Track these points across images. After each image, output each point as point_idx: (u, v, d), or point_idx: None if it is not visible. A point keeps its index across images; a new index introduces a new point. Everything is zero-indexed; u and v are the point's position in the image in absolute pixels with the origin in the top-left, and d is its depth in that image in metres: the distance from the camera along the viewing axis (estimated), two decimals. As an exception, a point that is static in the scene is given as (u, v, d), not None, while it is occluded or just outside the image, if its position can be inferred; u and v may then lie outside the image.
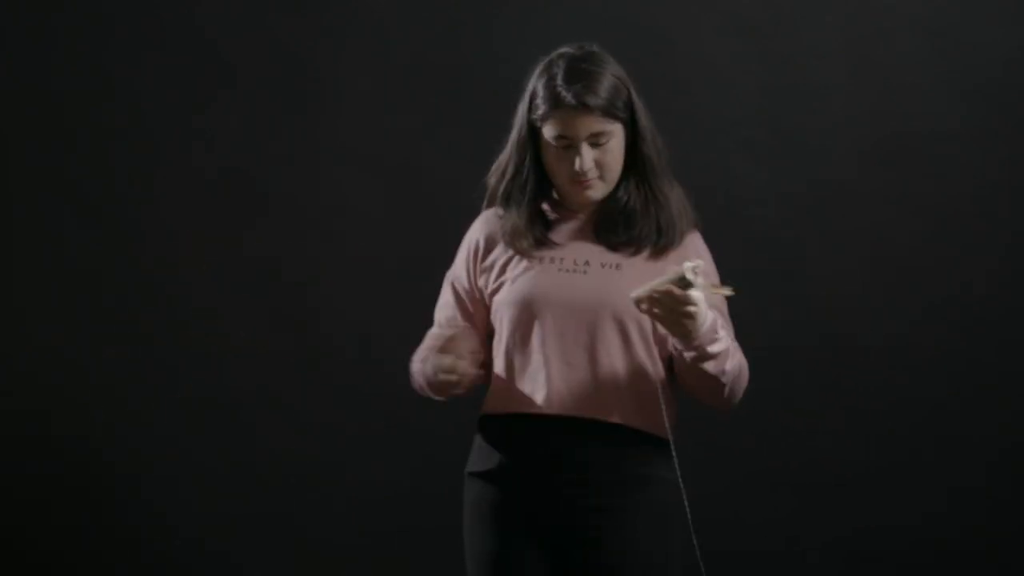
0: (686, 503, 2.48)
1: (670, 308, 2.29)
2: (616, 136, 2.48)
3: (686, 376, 2.47)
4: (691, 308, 2.29)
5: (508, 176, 2.56)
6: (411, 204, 3.92)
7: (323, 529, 3.98)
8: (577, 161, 2.46)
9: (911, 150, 3.85)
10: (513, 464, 2.50)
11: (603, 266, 2.49)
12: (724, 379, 2.44)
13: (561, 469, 2.46)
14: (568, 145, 2.47)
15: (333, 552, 3.97)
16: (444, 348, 2.46)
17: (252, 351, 3.96)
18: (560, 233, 2.54)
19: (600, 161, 2.47)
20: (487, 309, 2.57)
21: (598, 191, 2.51)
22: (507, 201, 2.56)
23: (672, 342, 2.43)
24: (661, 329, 2.43)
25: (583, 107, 2.44)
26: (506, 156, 2.57)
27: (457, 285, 2.60)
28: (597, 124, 2.45)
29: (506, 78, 2.65)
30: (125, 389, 3.97)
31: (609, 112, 2.45)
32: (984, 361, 3.86)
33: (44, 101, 3.97)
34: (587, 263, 2.49)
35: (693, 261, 2.31)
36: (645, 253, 2.51)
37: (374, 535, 3.95)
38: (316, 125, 3.95)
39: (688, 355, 2.40)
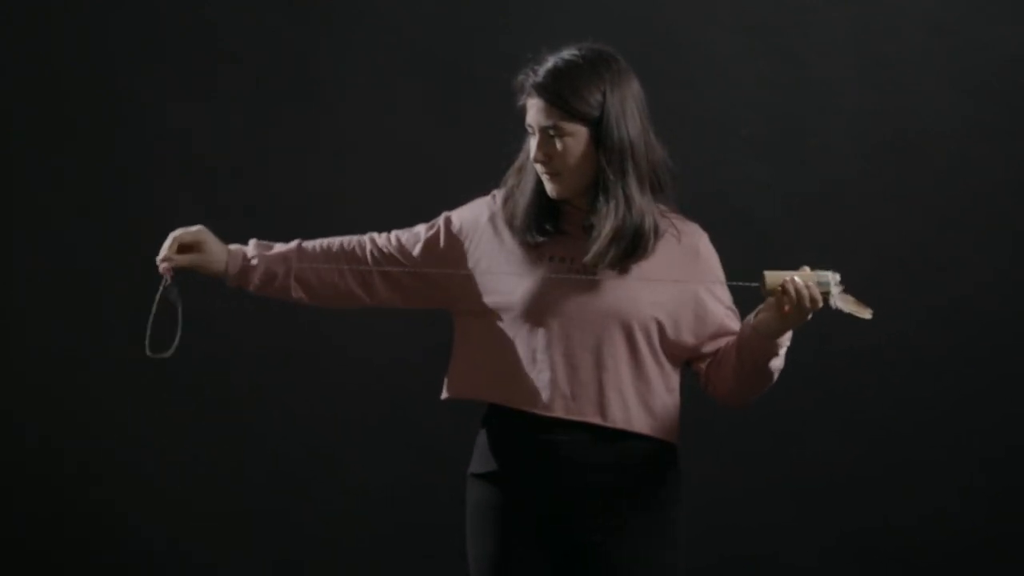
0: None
1: (803, 304, 2.33)
2: (574, 136, 2.43)
3: (748, 374, 2.46)
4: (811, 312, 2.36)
5: (517, 164, 2.55)
6: (413, 204, 3.89)
7: (323, 529, 3.98)
8: (532, 149, 2.46)
9: (917, 148, 3.85)
10: (516, 466, 2.49)
11: (612, 269, 2.46)
12: (776, 376, 2.49)
13: (564, 472, 2.46)
14: (534, 133, 2.46)
15: (333, 552, 3.97)
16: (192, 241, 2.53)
17: (252, 350, 3.96)
18: (573, 224, 2.52)
19: (553, 156, 2.43)
20: (436, 264, 2.55)
21: (556, 185, 2.46)
22: (511, 188, 2.55)
23: (753, 339, 2.42)
24: (684, 336, 2.47)
25: (537, 96, 2.43)
26: None
27: (451, 228, 2.57)
28: (551, 117, 2.42)
29: (511, 77, 2.64)
30: (125, 388, 3.96)
31: (565, 108, 2.41)
32: (988, 362, 3.86)
33: (44, 100, 3.97)
34: (596, 264, 2.48)
35: (836, 275, 2.37)
36: (642, 259, 2.48)
37: (374, 535, 3.95)
38: (318, 124, 3.94)
39: (770, 352, 2.43)
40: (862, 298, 3.80)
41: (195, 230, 2.54)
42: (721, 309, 2.52)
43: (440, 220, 2.60)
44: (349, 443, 3.95)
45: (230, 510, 3.97)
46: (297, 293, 2.61)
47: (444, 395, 2.59)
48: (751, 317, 2.43)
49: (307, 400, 3.96)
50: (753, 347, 2.42)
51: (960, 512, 3.88)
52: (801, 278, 2.34)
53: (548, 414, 2.45)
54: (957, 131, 3.84)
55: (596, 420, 2.45)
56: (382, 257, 2.59)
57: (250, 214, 3.96)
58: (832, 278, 2.37)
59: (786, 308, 2.35)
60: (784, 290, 2.33)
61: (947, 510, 3.88)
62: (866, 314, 2.40)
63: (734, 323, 2.53)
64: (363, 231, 3.92)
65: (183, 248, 2.53)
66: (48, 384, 3.99)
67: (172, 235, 2.53)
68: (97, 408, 3.98)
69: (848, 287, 3.86)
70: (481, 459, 2.55)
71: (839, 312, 2.38)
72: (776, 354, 2.45)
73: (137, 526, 3.98)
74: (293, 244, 2.64)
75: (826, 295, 2.36)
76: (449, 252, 2.56)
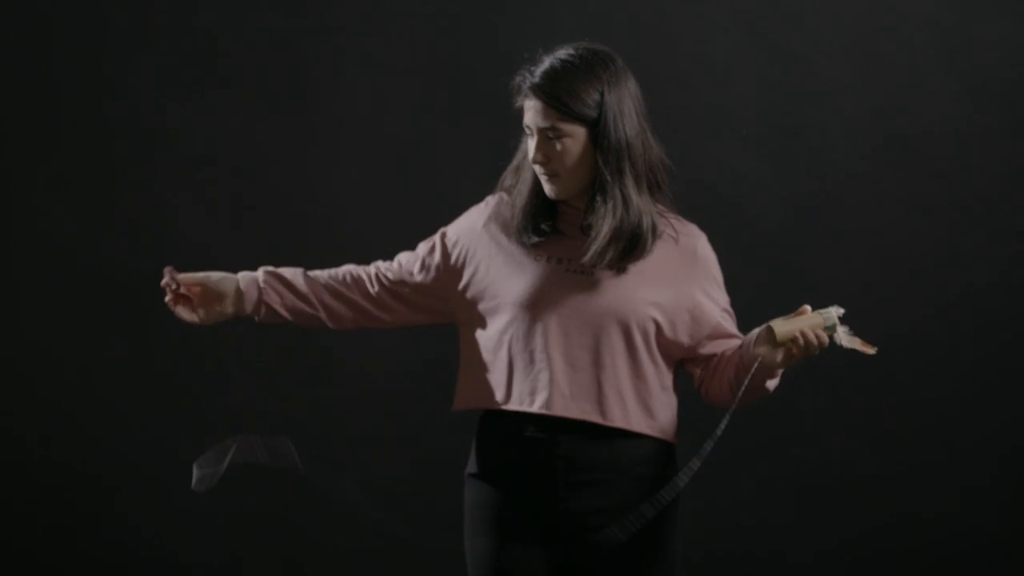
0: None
1: (809, 350, 2.35)
2: (572, 137, 2.42)
3: (744, 391, 2.46)
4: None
5: (514, 164, 2.55)
6: (411, 203, 3.91)
7: (323, 529, 3.97)
8: (530, 150, 2.46)
9: (917, 149, 3.85)
10: (514, 466, 2.49)
11: (610, 269, 2.47)
12: (771, 392, 2.50)
13: (562, 471, 2.46)
14: (532, 135, 2.45)
15: (333, 552, 3.96)
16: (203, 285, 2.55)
17: (251, 351, 3.95)
18: (570, 224, 2.52)
19: (552, 157, 2.43)
20: (439, 283, 2.55)
21: (554, 186, 2.46)
22: (510, 189, 2.55)
23: (755, 364, 2.41)
24: (680, 336, 2.48)
25: (534, 98, 2.42)
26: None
27: (446, 242, 2.57)
28: (549, 118, 2.41)
29: (508, 78, 2.64)
30: (124, 390, 3.96)
31: (563, 109, 2.40)
32: (989, 362, 3.85)
33: (44, 100, 3.96)
34: (594, 265, 2.47)
35: (839, 309, 2.36)
36: (640, 260, 2.48)
37: (374, 535, 3.94)
38: (317, 124, 3.94)
39: (768, 377, 2.43)
40: (862, 297, 3.83)
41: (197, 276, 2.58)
42: (717, 311, 2.52)
43: (436, 237, 2.60)
44: (350, 445, 3.95)
45: (229, 511, 3.97)
46: (321, 314, 2.61)
47: (455, 408, 2.60)
48: (752, 342, 2.43)
49: (308, 401, 3.96)
50: (753, 373, 2.42)
51: (961, 513, 3.87)
52: (810, 326, 2.35)
53: (547, 413, 2.45)
54: (957, 131, 3.83)
55: (595, 419, 2.45)
56: (388, 282, 2.60)
57: (249, 213, 3.96)
58: (836, 313, 2.37)
59: (794, 352, 2.37)
60: (794, 342, 2.35)
61: (948, 511, 3.87)
62: (871, 351, 2.40)
63: (730, 325, 2.53)
64: (361, 230, 3.95)
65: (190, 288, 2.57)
66: (48, 385, 3.98)
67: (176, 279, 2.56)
68: (97, 410, 3.97)
69: (848, 287, 3.89)
70: (479, 459, 2.54)
71: (840, 315, 2.38)
72: (774, 377, 2.46)
73: (134, 527, 3.98)
74: (299, 270, 2.62)
75: (831, 334, 2.37)
76: (448, 265, 2.56)
